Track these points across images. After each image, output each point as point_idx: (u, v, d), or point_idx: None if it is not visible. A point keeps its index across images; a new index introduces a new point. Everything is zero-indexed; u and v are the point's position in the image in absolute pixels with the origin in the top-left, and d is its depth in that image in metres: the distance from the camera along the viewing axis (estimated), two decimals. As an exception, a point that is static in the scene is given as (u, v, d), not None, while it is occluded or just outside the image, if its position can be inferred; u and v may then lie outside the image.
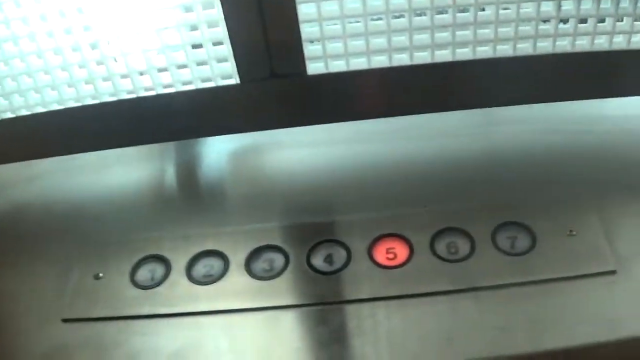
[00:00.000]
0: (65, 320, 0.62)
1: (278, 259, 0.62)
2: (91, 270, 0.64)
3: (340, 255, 0.61)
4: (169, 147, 0.75)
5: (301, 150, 0.71)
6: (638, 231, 0.62)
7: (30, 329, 0.62)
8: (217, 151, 0.73)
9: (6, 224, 0.71)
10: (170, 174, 0.72)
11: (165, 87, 0.65)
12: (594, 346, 0.56)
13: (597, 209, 0.63)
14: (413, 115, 0.69)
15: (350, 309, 0.59)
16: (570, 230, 0.62)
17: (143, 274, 0.63)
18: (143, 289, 0.62)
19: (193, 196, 0.70)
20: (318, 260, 0.62)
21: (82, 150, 0.71)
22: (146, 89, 0.65)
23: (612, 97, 0.68)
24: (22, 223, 0.71)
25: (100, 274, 0.64)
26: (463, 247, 0.61)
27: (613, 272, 0.59)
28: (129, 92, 0.65)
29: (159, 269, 0.63)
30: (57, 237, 0.68)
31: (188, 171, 0.73)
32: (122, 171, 0.73)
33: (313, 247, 0.62)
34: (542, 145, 0.69)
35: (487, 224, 0.62)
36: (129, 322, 0.61)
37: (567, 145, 0.68)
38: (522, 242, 0.61)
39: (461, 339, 0.56)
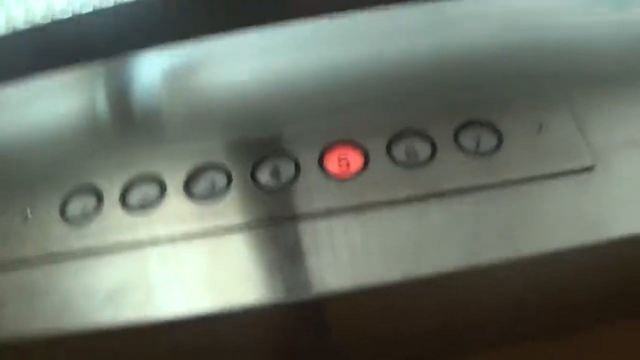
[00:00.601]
0: None
1: (220, 178, 0.56)
2: (19, 210, 0.57)
3: (287, 168, 0.55)
4: (96, 73, 0.67)
5: (238, 61, 0.64)
6: (614, 120, 0.57)
7: None
8: (148, 71, 0.66)
9: None
10: (98, 100, 0.65)
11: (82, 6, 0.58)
12: (574, 250, 0.51)
13: (567, 101, 0.57)
14: (359, 14, 0.62)
15: (304, 225, 0.53)
16: (540, 126, 0.56)
17: (74, 208, 0.57)
18: (73, 224, 0.56)
19: (124, 121, 0.64)
20: (264, 176, 0.55)
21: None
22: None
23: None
24: None
25: (29, 214, 0.57)
26: (423, 150, 0.55)
27: (591, 168, 0.54)
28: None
29: (90, 201, 0.56)
30: None
31: (117, 95, 0.66)
32: (47, 104, 0.66)
33: (257, 163, 0.56)
34: (502, 40, 0.63)
35: (448, 124, 0.56)
36: (61, 262, 0.54)
37: (529, 39, 0.63)
38: (488, 141, 0.56)
39: (429, 249, 0.51)
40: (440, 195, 0.53)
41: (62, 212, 0.56)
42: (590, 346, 0.59)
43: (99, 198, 0.56)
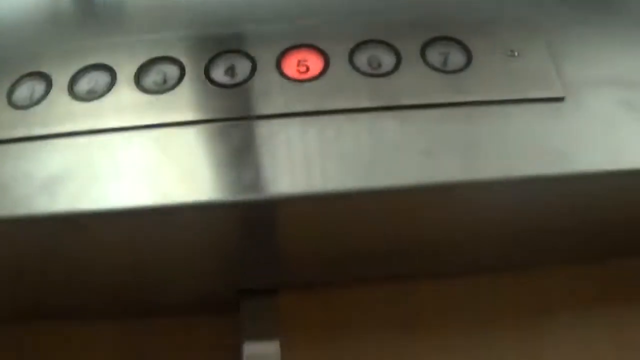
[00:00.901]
0: None
1: (172, 71, 0.53)
2: (-36, 93, 0.54)
3: (243, 66, 0.53)
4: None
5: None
6: (589, 55, 0.55)
7: None
8: None
9: None
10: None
11: None
12: (534, 179, 0.49)
13: (543, 29, 0.55)
14: None
15: (255, 125, 0.51)
16: (512, 51, 0.54)
17: (21, 93, 0.54)
18: (20, 109, 0.53)
19: (82, 10, 0.61)
20: (218, 73, 0.53)
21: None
22: None
23: None
24: None
25: (-27, 96, 0.54)
26: (387, 61, 0.53)
27: (560, 99, 0.52)
28: None
29: (39, 87, 0.54)
30: None
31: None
32: None
33: (213, 59, 0.53)
34: None
35: (416, 38, 0.54)
36: (2, 146, 0.52)
37: None
38: (456, 59, 0.54)
39: (383, 162, 0.49)
40: (400, 108, 0.51)
41: (9, 96, 0.54)
42: (537, 284, 0.57)
43: (48, 84, 0.54)
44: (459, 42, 0.54)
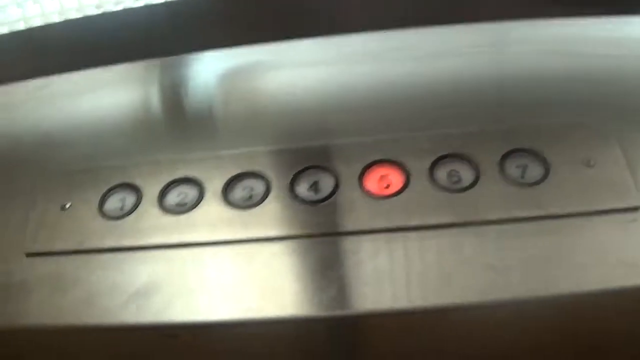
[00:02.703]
0: (28, 255, 0.55)
1: (258, 187, 0.55)
2: (57, 201, 0.58)
3: (327, 182, 0.54)
4: (148, 69, 0.67)
5: (289, 71, 0.64)
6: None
7: None
8: (198, 74, 0.65)
9: None
10: (147, 98, 0.65)
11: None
12: (608, 292, 0.50)
13: (619, 138, 0.55)
14: (412, 32, 0.61)
15: (337, 242, 0.52)
16: (589, 161, 0.54)
17: (112, 204, 0.57)
18: (111, 219, 0.56)
19: (171, 121, 0.63)
20: (302, 189, 0.55)
21: (55, 72, 0.64)
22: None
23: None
24: None
25: (67, 204, 0.57)
26: (466, 175, 0.54)
27: (636, 209, 0.52)
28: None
29: (130, 198, 0.56)
30: (24, 168, 0.62)
31: (166, 95, 0.66)
32: (96, 97, 0.66)
33: (297, 174, 0.55)
34: (556, 67, 0.61)
35: (494, 150, 0.55)
36: (93, 255, 0.55)
37: (584, 68, 0.60)
38: (534, 171, 0.54)
39: (461, 278, 0.50)
40: (479, 223, 0.52)
41: (101, 206, 0.57)
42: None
43: (139, 196, 0.56)
44: (536, 154, 0.54)
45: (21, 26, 0.62)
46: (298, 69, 0.64)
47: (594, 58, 0.61)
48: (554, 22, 0.62)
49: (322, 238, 0.52)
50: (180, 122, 0.64)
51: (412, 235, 0.52)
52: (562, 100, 0.59)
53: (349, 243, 0.52)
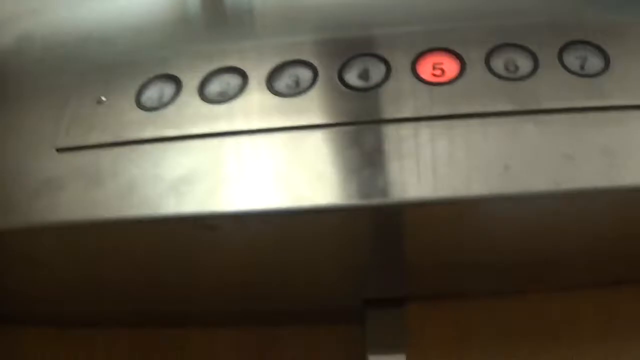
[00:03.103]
0: (59, 150, 0.53)
1: (305, 75, 0.53)
2: (93, 95, 0.55)
3: (378, 70, 0.52)
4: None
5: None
6: None
7: (22, 162, 0.54)
8: None
9: (10, 58, 0.62)
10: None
11: None
12: None
13: None
14: None
15: (388, 129, 0.49)
16: (651, 52, 0.51)
17: (150, 95, 0.54)
18: (149, 110, 0.53)
19: (213, 12, 0.61)
20: (352, 76, 0.52)
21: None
22: None
23: None
24: (26, 56, 0.61)
25: (103, 98, 0.55)
26: (524, 65, 0.51)
27: None
28: None
29: (168, 89, 0.54)
30: (60, 65, 0.59)
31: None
32: None
33: (347, 62, 0.52)
34: None
35: (553, 41, 0.52)
36: (130, 147, 0.52)
37: None
38: (594, 63, 0.51)
39: (519, 166, 0.47)
40: (537, 112, 0.49)
41: (138, 98, 0.54)
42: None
43: (178, 87, 0.54)
44: (596, 46, 0.52)
45: None
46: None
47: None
48: None
49: (372, 125, 0.50)
50: (220, 13, 0.61)
51: (469, 123, 0.49)
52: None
53: (400, 130, 0.49)
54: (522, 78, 0.51)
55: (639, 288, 0.54)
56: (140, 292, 0.56)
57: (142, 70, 0.55)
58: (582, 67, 0.51)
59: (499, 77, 0.51)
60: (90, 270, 0.54)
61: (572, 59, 0.51)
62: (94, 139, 0.53)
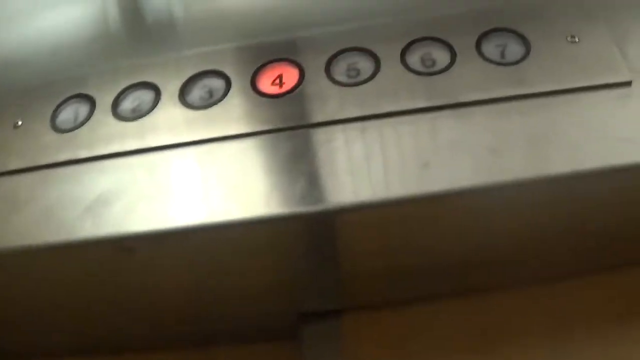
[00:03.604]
0: None
1: (218, 84, 0.51)
2: (10, 120, 0.54)
3: (290, 75, 0.50)
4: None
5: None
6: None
7: None
8: None
9: None
10: (107, 12, 0.61)
11: None
12: (604, 171, 0.45)
13: (603, 12, 0.52)
14: None
15: (305, 134, 0.48)
16: (572, 36, 0.50)
17: (65, 117, 0.53)
18: (64, 132, 0.52)
19: (133, 27, 0.60)
20: (265, 84, 0.50)
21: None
22: None
23: None
24: None
25: (19, 122, 0.53)
26: (441, 58, 0.50)
27: (627, 84, 0.48)
28: None
29: (83, 109, 0.53)
30: None
31: (125, 6, 0.61)
32: (57, 14, 0.62)
33: (259, 69, 0.51)
34: None
35: (470, 31, 0.51)
36: (46, 171, 0.51)
37: None
38: (514, 50, 0.50)
39: (440, 163, 0.46)
40: (456, 106, 0.48)
41: (53, 120, 0.53)
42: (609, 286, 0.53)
43: (92, 106, 0.53)
44: (515, 33, 0.50)
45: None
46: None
47: None
48: None
49: (286, 132, 0.48)
50: (138, 29, 0.60)
51: (387, 122, 0.48)
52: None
53: (318, 134, 0.47)
54: (439, 72, 0.49)
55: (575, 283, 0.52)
56: (72, 320, 0.54)
57: (57, 90, 0.54)
58: (502, 56, 0.50)
59: (416, 72, 0.49)
60: (21, 299, 0.53)
61: (491, 48, 0.50)
62: (12, 164, 0.52)
